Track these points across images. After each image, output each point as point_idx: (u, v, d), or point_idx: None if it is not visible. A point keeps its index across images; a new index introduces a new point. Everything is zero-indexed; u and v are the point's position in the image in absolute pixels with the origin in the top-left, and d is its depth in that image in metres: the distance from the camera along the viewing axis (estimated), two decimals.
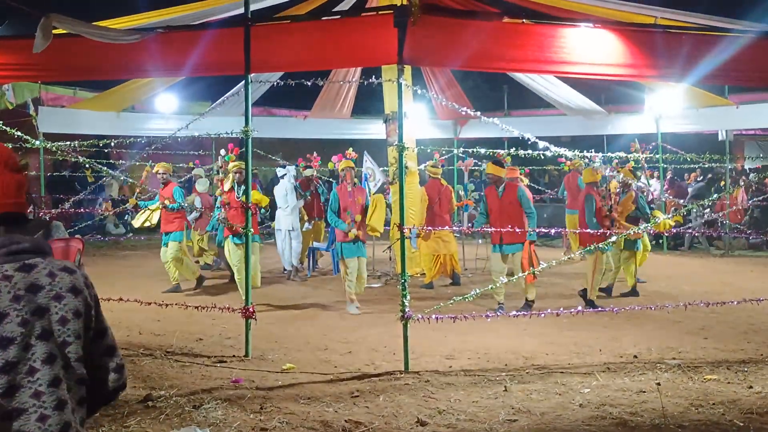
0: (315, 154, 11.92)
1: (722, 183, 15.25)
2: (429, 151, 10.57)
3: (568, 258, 7.72)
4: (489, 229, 7.86)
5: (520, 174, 9.47)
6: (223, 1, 8.84)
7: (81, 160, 7.95)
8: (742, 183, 15.08)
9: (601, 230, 7.84)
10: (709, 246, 14.56)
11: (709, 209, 13.19)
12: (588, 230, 7.87)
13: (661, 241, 14.18)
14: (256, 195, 9.20)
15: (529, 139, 6.16)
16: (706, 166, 14.75)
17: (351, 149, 10.49)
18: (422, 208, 9.90)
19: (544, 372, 5.57)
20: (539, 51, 6.02)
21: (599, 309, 7.41)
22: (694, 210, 12.48)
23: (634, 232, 7.72)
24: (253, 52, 5.97)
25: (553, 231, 7.73)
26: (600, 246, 7.25)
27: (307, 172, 11.44)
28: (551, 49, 5.95)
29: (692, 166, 14.95)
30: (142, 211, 9.81)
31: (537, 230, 7.65)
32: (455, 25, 5.89)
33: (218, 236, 10.28)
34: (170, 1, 8.95)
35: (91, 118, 13.20)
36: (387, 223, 8.80)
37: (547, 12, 8.63)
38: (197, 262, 11.44)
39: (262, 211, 11.28)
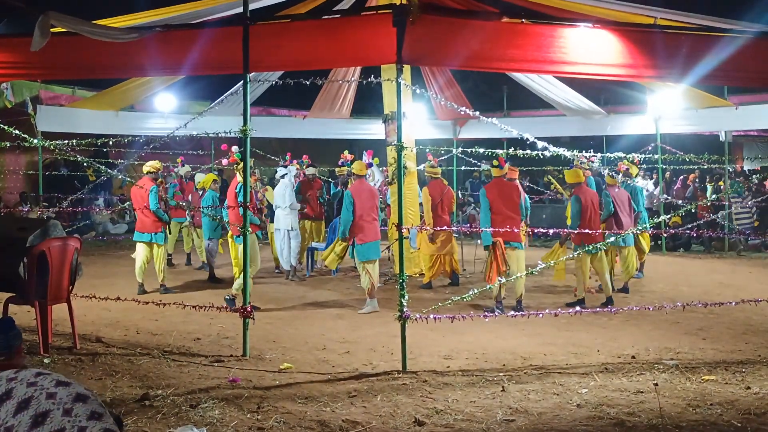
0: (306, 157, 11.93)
1: (721, 184, 15.23)
2: (427, 151, 10.55)
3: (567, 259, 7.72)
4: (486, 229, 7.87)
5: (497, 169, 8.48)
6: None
7: (80, 159, 7.93)
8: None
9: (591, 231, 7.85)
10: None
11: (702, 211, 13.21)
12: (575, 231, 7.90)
13: (660, 241, 14.18)
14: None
15: (528, 140, 6.16)
16: (705, 167, 14.75)
17: (346, 152, 10.48)
18: (426, 209, 9.87)
19: (542, 372, 5.57)
20: (538, 51, 6.01)
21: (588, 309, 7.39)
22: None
23: (633, 233, 7.71)
24: (251, 51, 5.96)
25: (551, 231, 7.73)
26: (589, 248, 7.34)
27: (309, 171, 11.41)
28: (550, 49, 5.94)
29: (692, 167, 14.95)
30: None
31: (535, 231, 7.67)
32: (454, 25, 5.89)
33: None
34: (169, 0, 8.94)
35: (89, 117, 13.20)
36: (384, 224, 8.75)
37: (547, 12, 8.62)
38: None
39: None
